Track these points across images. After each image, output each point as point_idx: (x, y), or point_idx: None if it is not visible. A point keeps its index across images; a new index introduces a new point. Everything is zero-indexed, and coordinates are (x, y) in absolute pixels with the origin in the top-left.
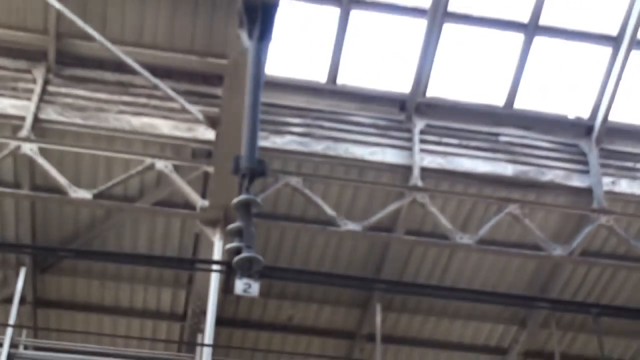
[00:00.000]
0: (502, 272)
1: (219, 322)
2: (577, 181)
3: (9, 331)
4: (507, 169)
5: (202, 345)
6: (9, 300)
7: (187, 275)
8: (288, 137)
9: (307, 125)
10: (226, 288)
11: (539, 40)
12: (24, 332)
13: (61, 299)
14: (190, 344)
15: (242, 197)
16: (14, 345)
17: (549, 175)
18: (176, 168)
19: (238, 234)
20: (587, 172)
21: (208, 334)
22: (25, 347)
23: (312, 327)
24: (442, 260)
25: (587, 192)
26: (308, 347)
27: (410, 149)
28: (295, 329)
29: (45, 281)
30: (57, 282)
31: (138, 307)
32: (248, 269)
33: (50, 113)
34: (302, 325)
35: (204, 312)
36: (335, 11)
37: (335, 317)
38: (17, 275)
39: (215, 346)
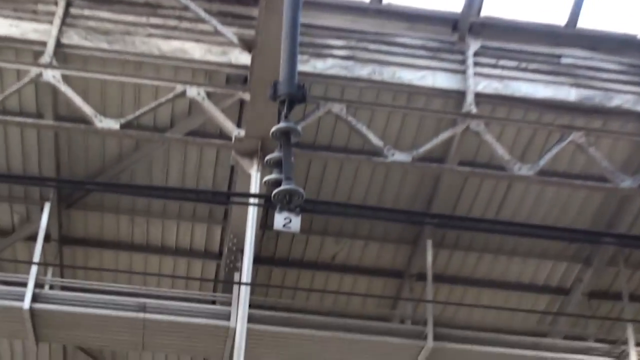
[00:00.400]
0: (564, 206)
1: (257, 260)
2: None
3: (34, 270)
4: (571, 94)
5: (240, 284)
6: (33, 238)
7: (223, 210)
8: (330, 61)
9: (351, 48)
10: (264, 224)
11: None
12: (50, 270)
13: (88, 236)
14: (227, 283)
15: (281, 125)
16: (39, 284)
17: (617, 100)
18: (209, 95)
19: (277, 165)
20: None
21: (246, 273)
22: (51, 287)
23: (358, 265)
24: (498, 193)
25: None
26: (353, 286)
27: (463, 72)
28: (339, 267)
29: (71, 217)
30: (84, 218)
31: (170, 244)
32: (288, 202)
33: (73, 37)
34: (347, 263)
35: (241, 250)
36: None
37: (382, 255)
38: (41, 210)
39: (253, 285)
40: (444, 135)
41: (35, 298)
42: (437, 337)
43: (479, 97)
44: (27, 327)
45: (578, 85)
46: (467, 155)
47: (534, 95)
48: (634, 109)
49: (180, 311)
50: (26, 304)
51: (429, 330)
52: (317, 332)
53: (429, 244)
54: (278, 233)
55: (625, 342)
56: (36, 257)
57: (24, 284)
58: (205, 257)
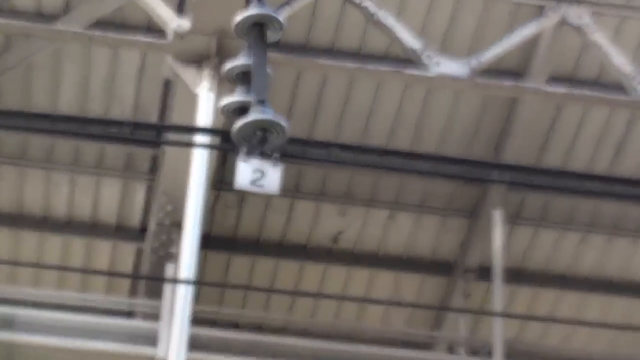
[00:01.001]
0: None
1: (207, 241)
2: None
3: None
4: None
5: (175, 282)
6: None
7: (149, 155)
8: None
9: None
10: (220, 180)
11: None
12: None
13: None
14: (155, 282)
15: (251, 12)
16: None
17: None
18: None
19: (242, 79)
20: None
21: (186, 263)
22: None
23: (377, 252)
24: (615, 130)
25: None
26: (368, 287)
27: None
28: (346, 255)
29: None
30: None
31: (59, 213)
32: (260, 142)
33: None
34: (358, 249)
35: (177, 224)
36: None
37: (418, 236)
38: None
39: (199, 284)
40: (523, 34)
41: None
42: None
43: None
44: None
45: None
46: (562, 68)
47: None
48: None
49: (73, 330)
50: None
51: None
52: None
53: (497, 217)
54: (243, 196)
55: None
56: None
57: None
58: (118, 235)
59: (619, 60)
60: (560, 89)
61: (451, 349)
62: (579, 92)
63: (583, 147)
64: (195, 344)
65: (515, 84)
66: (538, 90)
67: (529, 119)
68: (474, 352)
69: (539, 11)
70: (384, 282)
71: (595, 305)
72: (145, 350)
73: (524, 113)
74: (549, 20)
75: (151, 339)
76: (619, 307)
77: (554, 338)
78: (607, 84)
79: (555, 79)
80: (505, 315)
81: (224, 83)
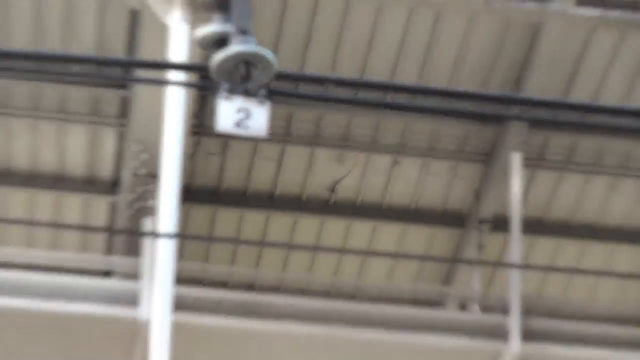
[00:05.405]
0: None
1: (191, 194)
2: None
3: None
4: None
5: (154, 236)
6: None
7: (117, 97)
8: None
9: None
10: (200, 124)
11: None
12: None
13: None
14: (132, 236)
15: None
16: None
17: None
18: None
19: (220, 5)
20: None
21: (165, 215)
22: None
23: (380, 203)
24: None
25: None
26: (371, 241)
27: None
28: (345, 207)
29: None
30: None
31: (20, 165)
32: (244, 78)
33: None
34: (359, 200)
35: (154, 174)
36: None
37: (426, 183)
38: None
39: (181, 237)
40: None
41: None
42: (528, 335)
43: None
44: None
45: None
46: None
47: None
48: None
49: (45, 291)
50: None
51: (514, 322)
52: (307, 328)
53: (516, 160)
54: (226, 142)
55: None
56: None
57: None
58: (87, 188)
59: None
60: (591, 12)
61: (463, 306)
62: (612, 16)
63: (616, 80)
64: (180, 304)
65: (539, 7)
66: (565, 14)
67: (554, 47)
68: (488, 309)
69: None
70: (389, 235)
71: (624, 257)
72: (126, 312)
73: (549, 41)
74: None
75: (131, 300)
76: None
77: (577, 293)
78: None
79: (585, 0)
80: (523, 267)
81: (199, 10)
